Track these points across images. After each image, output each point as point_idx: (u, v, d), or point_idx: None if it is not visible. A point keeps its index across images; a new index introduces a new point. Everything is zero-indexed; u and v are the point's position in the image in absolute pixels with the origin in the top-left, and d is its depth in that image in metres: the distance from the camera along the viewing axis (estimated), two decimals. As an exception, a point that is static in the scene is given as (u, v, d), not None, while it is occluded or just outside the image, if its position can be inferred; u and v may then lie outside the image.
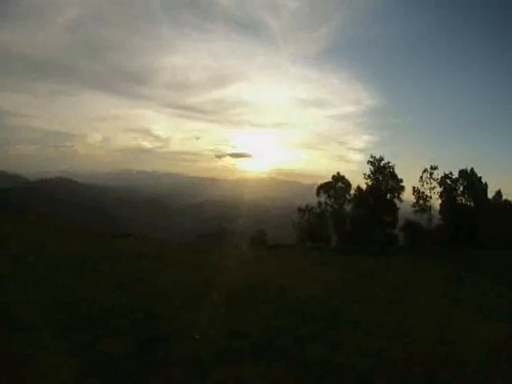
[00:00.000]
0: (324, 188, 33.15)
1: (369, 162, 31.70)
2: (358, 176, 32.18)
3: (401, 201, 31.12)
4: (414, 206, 30.78)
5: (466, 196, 29.78)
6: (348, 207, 32.52)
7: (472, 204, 29.31)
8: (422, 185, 30.73)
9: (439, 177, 30.34)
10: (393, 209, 30.20)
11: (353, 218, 30.64)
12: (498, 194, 30.85)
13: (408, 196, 31.93)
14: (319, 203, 33.00)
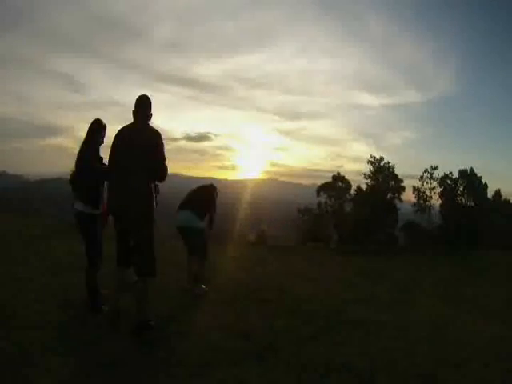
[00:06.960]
0: (324, 188, 33.27)
1: (369, 161, 31.81)
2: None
3: (401, 201, 31.26)
4: (414, 205, 30.92)
5: (465, 196, 29.90)
6: (348, 207, 32.66)
7: (472, 204, 29.43)
8: (422, 184, 30.86)
9: (439, 177, 30.49)
10: (393, 209, 30.31)
11: (353, 218, 30.73)
12: (498, 193, 30.89)
13: (408, 196, 32.01)
14: (319, 203, 33.12)
